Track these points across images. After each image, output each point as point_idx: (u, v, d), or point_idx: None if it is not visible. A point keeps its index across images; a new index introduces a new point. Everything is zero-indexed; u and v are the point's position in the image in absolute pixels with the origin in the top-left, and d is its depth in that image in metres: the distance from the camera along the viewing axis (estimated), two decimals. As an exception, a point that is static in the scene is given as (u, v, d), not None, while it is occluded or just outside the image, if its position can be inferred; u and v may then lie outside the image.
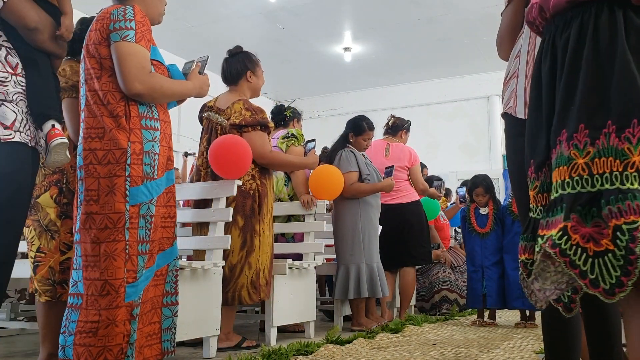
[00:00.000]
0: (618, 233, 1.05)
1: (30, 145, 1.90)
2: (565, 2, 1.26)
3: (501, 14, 1.79)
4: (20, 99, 1.90)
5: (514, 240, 4.06)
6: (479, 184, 4.36)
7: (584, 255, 1.09)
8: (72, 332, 1.90)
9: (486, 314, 4.32)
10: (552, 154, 1.22)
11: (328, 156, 4.13)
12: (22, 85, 1.92)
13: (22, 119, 1.89)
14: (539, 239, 1.20)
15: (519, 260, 1.34)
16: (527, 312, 4.16)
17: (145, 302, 1.99)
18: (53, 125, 1.97)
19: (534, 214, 1.33)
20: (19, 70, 1.92)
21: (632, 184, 1.08)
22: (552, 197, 1.20)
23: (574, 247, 1.10)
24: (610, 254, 1.06)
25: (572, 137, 1.16)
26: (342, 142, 4.13)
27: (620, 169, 1.09)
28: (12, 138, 1.84)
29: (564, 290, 1.28)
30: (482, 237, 4.26)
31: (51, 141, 1.95)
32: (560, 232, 1.12)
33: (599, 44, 1.18)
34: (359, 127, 4.11)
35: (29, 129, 1.91)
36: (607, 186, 1.10)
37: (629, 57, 1.14)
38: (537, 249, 1.21)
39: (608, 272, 1.06)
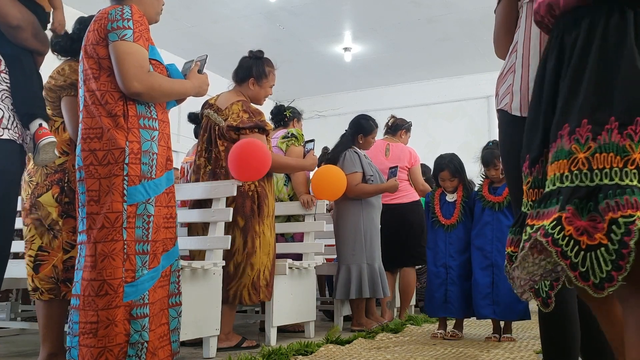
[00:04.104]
0: (614, 226, 1.05)
1: (18, 142, 1.90)
2: (576, 0, 1.25)
3: (495, 11, 1.79)
4: (6, 96, 1.89)
5: (483, 232, 3.29)
6: (445, 167, 3.48)
7: (577, 247, 1.09)
8: (76, 333, 1.90)
9: (451, 324, 3.51)
10: (551, 148, 1.22)
11: (331, 157, 4.11)
12: (6, 83, 1.90)
13: (9, 116, 1.88)
14: (528, 227, 1.20)
15: (506, 253, 1.34)
16: (502, 323, 3.31)
17: (153, 303, 1.97)
18: (40, 125, 1.96)
19: (525, 208, 1.33)
20: (2, 67, 1.91)
21: (631, 180, 1.08)
22: (546, 190, 1.20)
23: (567, 238, 1.10)
24: (603, 248, 1.06)
25: (574, 131, 1.16)
26: (348, 142, 4.11)
27: (620, 165, 1.09)
28: (1, 136, 1.84)
29: (536, 283, 1.29)
30: (446, 230, 3.43)
31: (40, 140, 1.94)
32: (555, 222, 1.12)
33: (608, 42, 1.19)
34: (366, 127, 4.11)
35: (17, 126, 1.90)
36: (606, 181, 1.10)
37: (636, 56, 1.14)
38: (524, 237, 1.21)
39: (599, 266, 1.06)
